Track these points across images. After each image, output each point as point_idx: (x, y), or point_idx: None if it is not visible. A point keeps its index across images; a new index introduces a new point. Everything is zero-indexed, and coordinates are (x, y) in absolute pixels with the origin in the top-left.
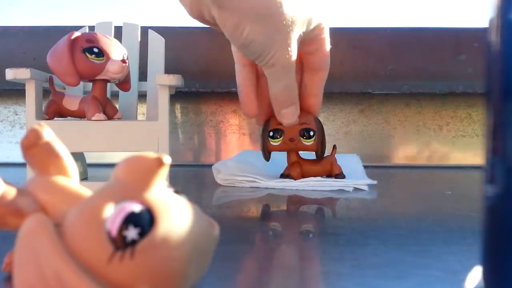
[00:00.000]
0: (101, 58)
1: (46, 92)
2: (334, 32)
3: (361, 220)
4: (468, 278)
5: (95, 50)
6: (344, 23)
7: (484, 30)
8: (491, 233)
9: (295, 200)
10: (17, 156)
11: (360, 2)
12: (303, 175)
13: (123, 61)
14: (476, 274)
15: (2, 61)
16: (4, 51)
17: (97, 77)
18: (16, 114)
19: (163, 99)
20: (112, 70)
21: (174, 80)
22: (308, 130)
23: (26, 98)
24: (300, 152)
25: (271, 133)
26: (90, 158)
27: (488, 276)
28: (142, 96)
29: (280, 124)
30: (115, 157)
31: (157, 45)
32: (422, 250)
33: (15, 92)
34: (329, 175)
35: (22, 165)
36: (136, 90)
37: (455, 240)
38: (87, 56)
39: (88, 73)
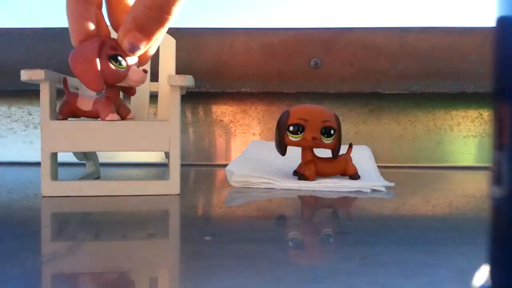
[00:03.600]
0: (123, 66)
1: (59, 93)
2: (344, 32)
3: (371, 220)
4: (476, 277)
5: (119, 58)
6: (353, 23)
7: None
8: (498, 233)
9: (310, 201)
10: (31, 155)
11: (370, 2)
12: (318, 174)
13: (145, 71)
14: (484, 273)
15: (17, 62)
16: (19, 52)
17: (118, 84)
18: (30, 114)
19: (175, 99)
20: (133, 79)
21: (185, 80)
22: (329, 129)
23: (40, 99)
24: (315, 150)
25: (291, 128)
26: (103, 157)
27: (495, 275)
28: (152, 97)
29: (301, 119)
30: (127, 156)
31: (168, 46)
32: (431, 250)
33: (29, 92)
34: (343, 174)
35: (36, 164)
36: (148, 91)
37: (465, 240)
38: (112, 63)
39: (112, 80)
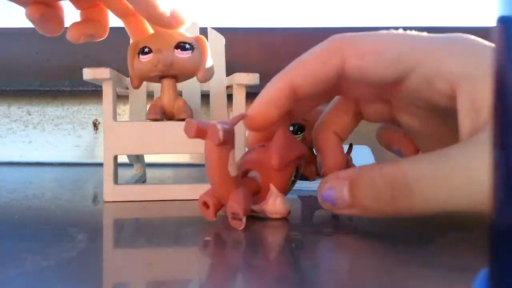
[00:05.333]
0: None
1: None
2: (343, 31)
3: (371, 220)
4: (476, 277)
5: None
6: (353, 23)
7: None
8: (498, 233)
9: (310, 201)
10: (30, 155)
11: (370, 2)
12: (318, 174)
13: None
14: (484, 273)
15: (17, 62)
16: (17, 51)
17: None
18: (29, 114)
19: (240, 98)
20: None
21: (253, 79)
22: None
23: (103, 99)
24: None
25: (291, 128)
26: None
27: (495, 275)
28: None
29: (301, 119)
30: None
31: (217, 44)
32: (431, 250)
33: (28, 92)
34: None
35: (35, 164)
36: (199, 91)
37: (466, 241)
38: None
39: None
